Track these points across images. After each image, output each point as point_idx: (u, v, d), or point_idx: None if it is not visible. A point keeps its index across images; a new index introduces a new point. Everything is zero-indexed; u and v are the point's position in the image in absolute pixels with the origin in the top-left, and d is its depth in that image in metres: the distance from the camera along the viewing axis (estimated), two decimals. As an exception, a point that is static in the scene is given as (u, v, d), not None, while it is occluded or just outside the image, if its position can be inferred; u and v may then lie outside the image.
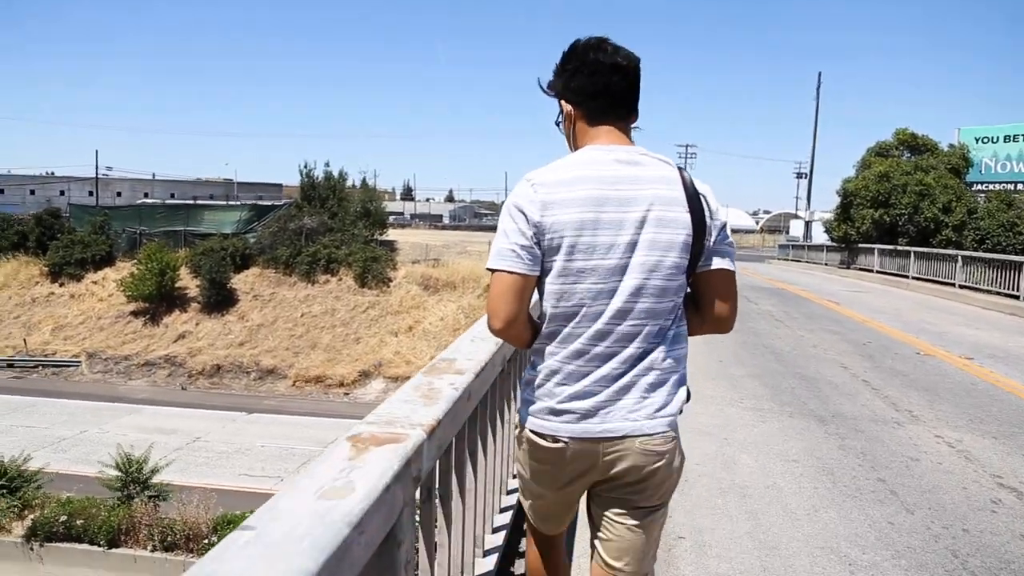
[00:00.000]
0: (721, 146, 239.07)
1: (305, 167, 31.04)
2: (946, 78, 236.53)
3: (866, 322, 10.75)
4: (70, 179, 67.46)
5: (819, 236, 43.28)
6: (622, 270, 1.59)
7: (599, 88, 1.66)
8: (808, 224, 46.15)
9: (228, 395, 24.12)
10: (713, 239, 1.66)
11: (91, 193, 61.42)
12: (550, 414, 1.66)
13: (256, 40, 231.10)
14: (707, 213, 1.63)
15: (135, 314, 27.35)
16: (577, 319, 1.62)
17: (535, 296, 1.69)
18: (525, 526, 2.13)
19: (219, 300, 27.13)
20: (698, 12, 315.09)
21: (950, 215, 21.25)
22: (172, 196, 62.19)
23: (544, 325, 1.67)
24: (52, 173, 71.12)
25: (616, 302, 1.60)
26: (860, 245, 22.92)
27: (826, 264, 26.71)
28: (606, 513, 1.73)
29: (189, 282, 28.01)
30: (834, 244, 26.04)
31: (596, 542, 1.78)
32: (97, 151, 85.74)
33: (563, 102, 1.73)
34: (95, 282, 29.24)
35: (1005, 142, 25.91)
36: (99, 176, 65.77)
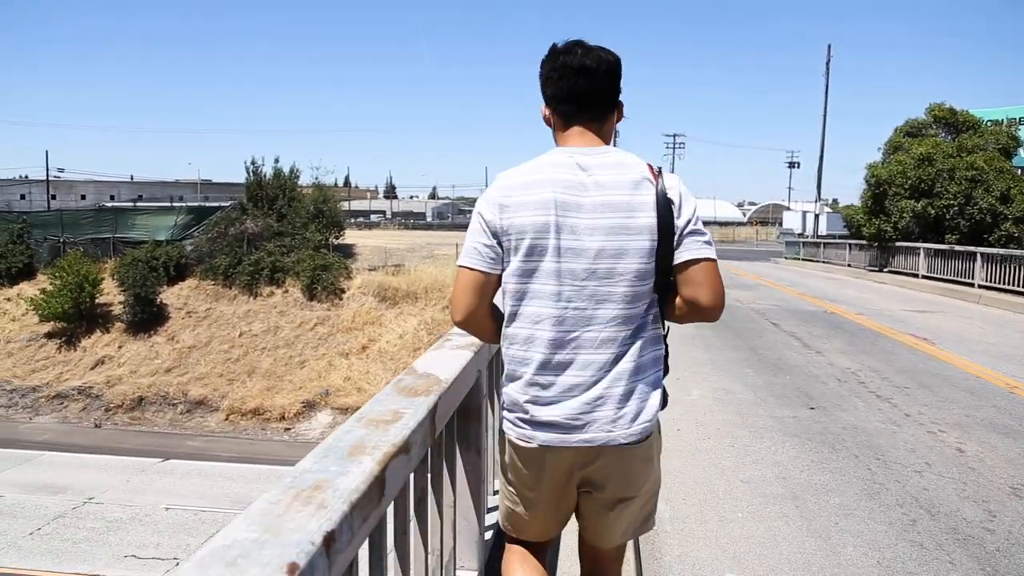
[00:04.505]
0: (710, 135, 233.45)
1: (252, 164, 27.10)
2: (943, 64, 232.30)
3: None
4: (30, 182, 63.60)
5: (823, 228, 40.27)
6: (576, 275, 1.55)
7: (565, 93, 1.64)
8: (816, 217, 42.58)
9: (148, 433, 20.33)
10: (679, 235, 1.58)
11: (55, 196, 57.90)
12: (525, 423, 1.63)
13: (238, 38, 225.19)
14: (674, 212, 1.57)
15: (50, 336, 23.50)
16: (537, 322, 1.58)
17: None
18: (506, 541, 1.96)
19: (146, 318, 23.28)
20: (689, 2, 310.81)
21: (1009, 205, 17.47)
22: (140, 198, 58.51)
23: (506, 325, 1.65)
24: (26, 176, 67.02)
25: (571, 307, 1.55)
26: (899, 244, 19.03)
27: (850, 265, 22.86)
28: (585, 504, 1.73)
29: (114, 297, 24.15)
30: (857, 240, 22.19)
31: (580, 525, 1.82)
32: (47, 152, 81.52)
33: (543, 105, 1.72)
34: (8, 299, 25.38)
35: (1008, 126, 22.89)
36: (60, 178, 62.14)
